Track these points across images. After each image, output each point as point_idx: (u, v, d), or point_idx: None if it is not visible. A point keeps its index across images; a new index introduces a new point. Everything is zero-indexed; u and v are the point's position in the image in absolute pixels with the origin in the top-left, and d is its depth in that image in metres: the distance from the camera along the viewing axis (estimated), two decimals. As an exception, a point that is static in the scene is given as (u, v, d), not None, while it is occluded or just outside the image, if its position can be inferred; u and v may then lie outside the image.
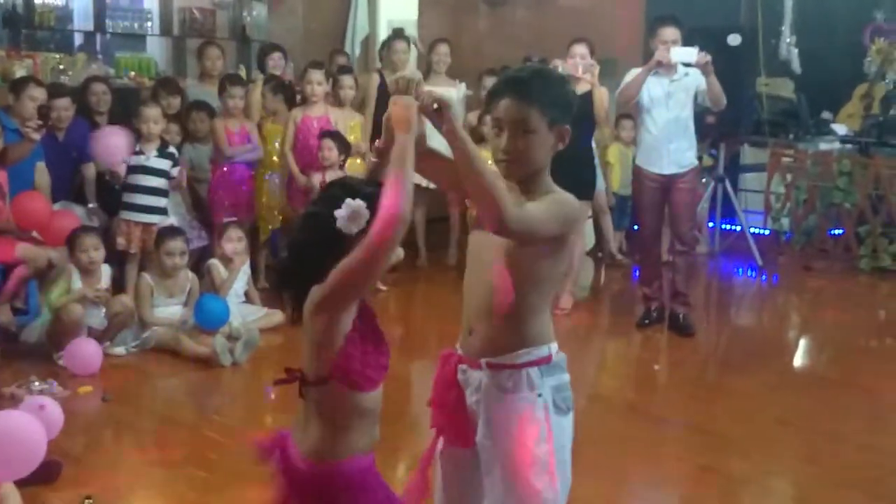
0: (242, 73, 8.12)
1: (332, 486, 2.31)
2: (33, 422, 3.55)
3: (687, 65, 6.10)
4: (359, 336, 2.28)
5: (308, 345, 2.30)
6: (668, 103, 6.19)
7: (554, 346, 2.55)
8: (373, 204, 2.17)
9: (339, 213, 2.20)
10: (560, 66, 6.45)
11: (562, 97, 2.52)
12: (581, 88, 6.53)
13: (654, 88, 6.19)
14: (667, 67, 6.10)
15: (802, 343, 6.88)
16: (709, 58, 5.99)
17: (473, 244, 2.57)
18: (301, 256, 2.27)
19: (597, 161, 7.17)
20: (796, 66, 9.75)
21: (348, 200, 2.20)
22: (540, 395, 2.48)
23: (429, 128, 2.35)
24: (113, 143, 6.06)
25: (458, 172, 2.31)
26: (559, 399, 2.52)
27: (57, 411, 3.99)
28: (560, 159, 6.73)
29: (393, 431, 2.82)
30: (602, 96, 6.53)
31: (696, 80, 6.13)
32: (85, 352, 5.30)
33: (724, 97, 6.15)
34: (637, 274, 7.11)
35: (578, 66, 6.45)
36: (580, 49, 6.52)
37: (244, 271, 6.33)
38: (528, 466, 2.46)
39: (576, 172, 6.50)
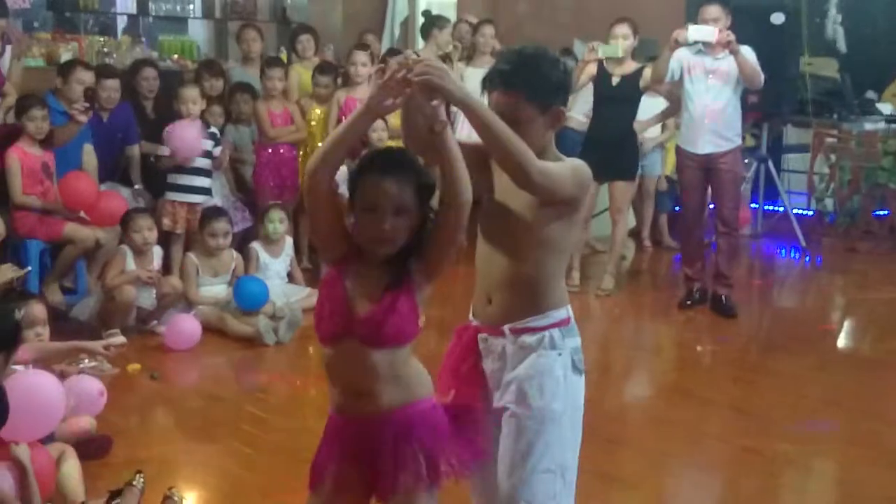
0: (283, 55, 8.16)
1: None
2: (50, 380, 3.61)
3: (706, 43, 6.04)
4: None
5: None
6: (708, 83, 6.14)
7: (570, 309, 2.62)
8: None
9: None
10: (600, 48, 6.44)
11: (552, 81, 2.51)
12: (626, 69, 6.52)
13: (695, 68, 6.15)
14: (710, 47, 6.04)
15: (847, 324, 6.83)
16: (731, 37, 5.92)
17: (486, 216, 2.60)
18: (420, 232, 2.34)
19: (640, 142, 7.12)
20: (842, 45, 9.63)
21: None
22: (560, 355, 2.55)
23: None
24: (189, 136, 6.16)
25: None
26: (577, 360, 2.59)
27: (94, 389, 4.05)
28: (603, 137, 6.77)
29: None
30: (648, 76, 6.51)
31: None
32: (185, 326, 5.47)
33: (759, 76, 6.07)
34: (679, 255, 7.07)
35: (618, 48, 6.44)
36: (622, 30, 6.50)
37: (287, 252, 6.39)
38: (546, 421, 2.52)
39: (618, 151, 6.56)
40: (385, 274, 2.36)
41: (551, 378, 2.53)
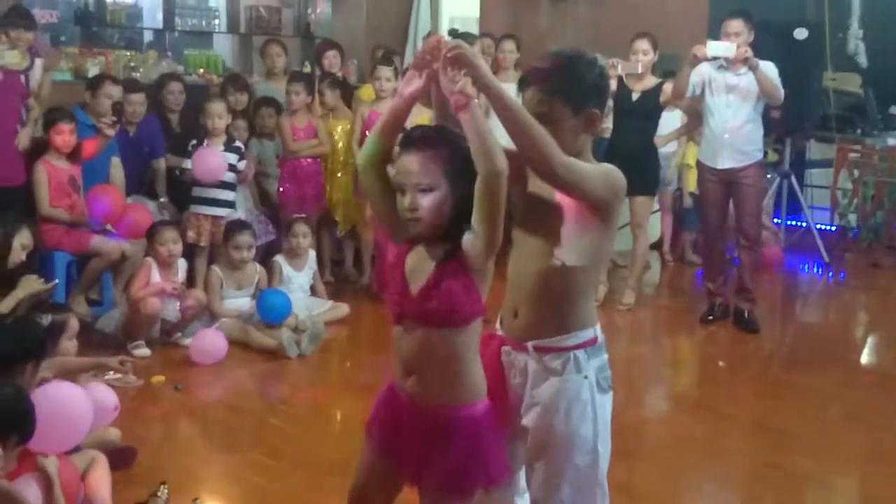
0: (307, 69, 8.22)
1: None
2: (78, 392, 3.65)
3: (727, 59, 6.05)
4: None
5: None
6: (729, 98, 6.15)
7: (598, 329, 2.59)
8: None
9: None
10: (620, 64, 6.47)
11: (587, 83, 2.51)
12: (645, 85, 6.55)
13: (716, 83, 6.17)
14: (732, 62, 6.05)
15: (870, 340, 6.81)
16: (749, 53, 5.93)
17: (519, 225, 2.58)
18: (465, 207, 2.31)
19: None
20: (863, 59, 9.61)
21: None
22: (586, 378, 2.53)
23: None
24: (212, 164, 6.25)
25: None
26: (602, 379, 2.56)
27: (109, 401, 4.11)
28: (623, 153, 6.78)
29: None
30: (669, 91, 6.53)
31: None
32: (212, 342, 5.52)
33: (779, 92, 6.07)
34: (701, 270, 7.07)
35: (638, 64, 6.46)
36: (642, 45, 6.54)
37: (310, 265, 6.43)
38: (575, 446, 2.51)
39: (639, 166, 6.56)
40: (438, 252, 2.38)
41: (578, 403, 2.52)
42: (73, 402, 3.58)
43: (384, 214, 2.45)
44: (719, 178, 6.28)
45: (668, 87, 6.52)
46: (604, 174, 2.47)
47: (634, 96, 6.56)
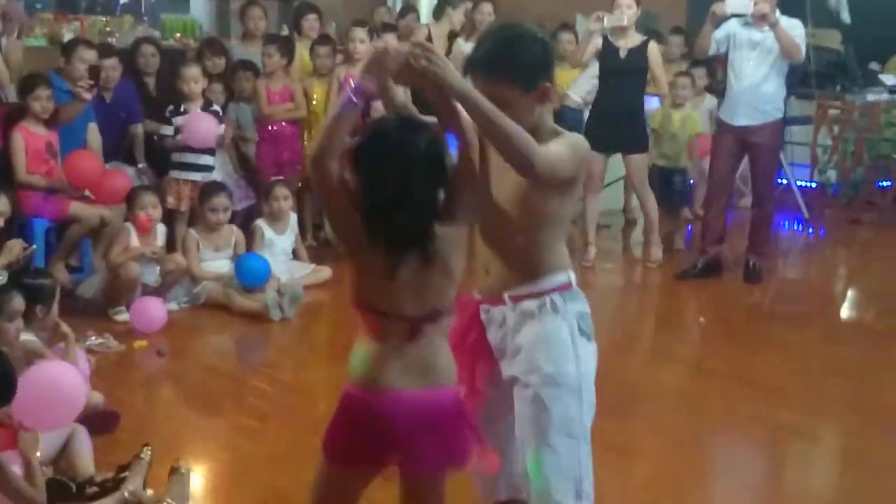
0: (285, 32, 8.14)
1: (461, 405, 2.37)
2: (72, 371, 3.64)
3: (740, 15, 6.06)
4: None
5: (443, 279, 2.31)
6: (752, 55, 6.16)
7: (572, 275, 2.59)
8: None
9: (451, 152, 2.29)
10: (605, 17, 6.44)
11: (532, 61, 2.47)
12: (633, 42, 6.53)
13: (740, 38, 6.18)
14: (758, 19, 6.03)
15: (850, 295, 6.85)
16: (766, 10, 5.93)
17: (481, 192, 2.47)
18: (432, 200, 2.26)
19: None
20: (846, 16, 9.57)
21: (448, 136, 2.29)
22: (564, 319, 2.53)
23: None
24: (205, 129, 6.19)
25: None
26: (584, 325, 2.56)
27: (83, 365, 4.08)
28: (613, 111, 6.77)
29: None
30: (656, 51, 6.53)
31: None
32: (150, 309, 5.42)
33: (798, 50, 6.10)
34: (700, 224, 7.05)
35: (623, 16, 6.43)
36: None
37: (292, 229, 6.41)
38: (559, 386, 2.51)
39: (629, 124, 6.57)
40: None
41: (558, 342, 2.52)
42: (67, 380, 3.56)
43: (331, 215, 2.41)
44: (735, 135, 6.29)
45: (653, 45, 6.51)
46: (573, 150, 2.46)
47: (622, 54, 6.54)
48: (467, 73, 2.49)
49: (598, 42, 6.62)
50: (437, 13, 8.10)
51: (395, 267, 2.25)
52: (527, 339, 2.53)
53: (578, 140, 2.52)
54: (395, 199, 2.22)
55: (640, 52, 6.52)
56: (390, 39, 7.02)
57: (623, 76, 6.56)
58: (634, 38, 6.56)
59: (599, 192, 7.00)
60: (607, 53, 6.58)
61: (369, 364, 2.34)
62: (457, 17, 7.85)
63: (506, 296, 2.55)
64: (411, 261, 2.25)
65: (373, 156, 2.25)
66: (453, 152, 2.31)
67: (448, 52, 7.47)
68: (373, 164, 2.25)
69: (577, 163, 2.48)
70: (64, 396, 3.49)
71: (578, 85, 7.50)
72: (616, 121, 6.51)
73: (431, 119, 2.33)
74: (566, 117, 7.11)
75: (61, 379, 3.53)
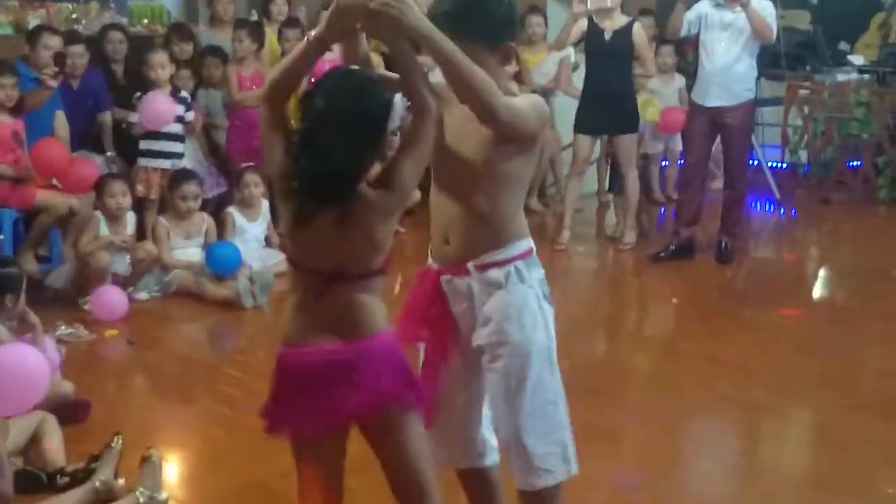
0: (254, 17, 8.08)
1: (389, 353, 2.35)
2: (35, 355, 3.61)
3: None
4: None
5: (361, 244, 2.30)
6: (723, 36, 6.18)
7: (531, 241, 2.59)
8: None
9: (395, 113, 2.26)
10: (588, 0, 6.43)
11: (498, 18, 2.47)
12: (618, 23, 6.52)
13: (712, 19, 6.19)
14: (730, 0, 6.06)
15: (822, 274, 6.90)
16: None
17: (438, 155, 2.49)
18: (355, 156, 2.23)
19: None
20: (813, -5, 9.64)
21: (398, 99, 2.26)
22: (531, 287, 2.53)
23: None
24: (161, 108, 6.14)
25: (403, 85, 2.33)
26: (545, 291, 2.57)
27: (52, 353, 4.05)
28: (601, 93, 6.74)
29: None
30: (641, 31, 6.53)
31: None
32: (111, 298, 5.38)
33: (769, 30, 6.14)
34: (675, 206, 7.08)
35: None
36: None
37: (264, 216, 6.37)
38: (532, 355, 2.51)
39: (618, 105, 6.57)
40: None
41: (528, 310, 2.51)
42: (29, 363, 3.53)
43: (267, 156, 2.40)
44: (707, 117, 6.31)
45: (638, 26, 6.50)
46: (533, 106, 2.45)
47: (607, 35, 6.54)
48: None
49: (583, 24, 6.61)
50: None
51: (309, 217, 2.26)
52: (495, 310, 2.51)
53: (538, 99, 2.53)
54: (319, 149, 2.22)
55: (624, 33, 6.52)
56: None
57: (609, 58, 6.55)
58: (620, 20, 6.55)
59: (583, 174, 7.02)
60: (592, 35, 6.58)
61: (287, 320, 2.39)
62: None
63: (470, 265, 2.52)
64: (328, 216, 2.24)
65: (311, 103, 2.25)
66: (403, 118, 2.30)
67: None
68: (308, 111, 2.25)
69: (539, 120, 2.47)
70: (24, 379, 3.46)
71: (540, 69, 7.51)
72: (604, 102, 6.54)
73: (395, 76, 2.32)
74: None
75: (20, 362, 3.49)
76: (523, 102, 2.43)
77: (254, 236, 6.28)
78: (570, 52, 7.57)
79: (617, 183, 7.32)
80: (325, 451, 2.41)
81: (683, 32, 6.33)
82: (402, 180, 2.28)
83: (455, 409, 2.64)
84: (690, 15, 6.21)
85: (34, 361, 3.55)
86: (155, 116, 6.15)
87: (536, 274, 2.56)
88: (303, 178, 2.24)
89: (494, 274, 2.51)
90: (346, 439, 2.44)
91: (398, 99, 2.27)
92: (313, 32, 2.32)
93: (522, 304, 2.51)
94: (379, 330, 2.35)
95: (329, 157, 2.21)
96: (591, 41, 6.61)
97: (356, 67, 2.39)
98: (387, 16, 2.21)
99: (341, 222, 2.25)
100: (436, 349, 2.60)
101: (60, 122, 6.13)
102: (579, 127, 6.79)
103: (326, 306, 2.33)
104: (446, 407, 2.62)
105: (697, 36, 6.33)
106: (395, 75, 2.37)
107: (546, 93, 7.37)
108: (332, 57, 6.93)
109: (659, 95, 7.66)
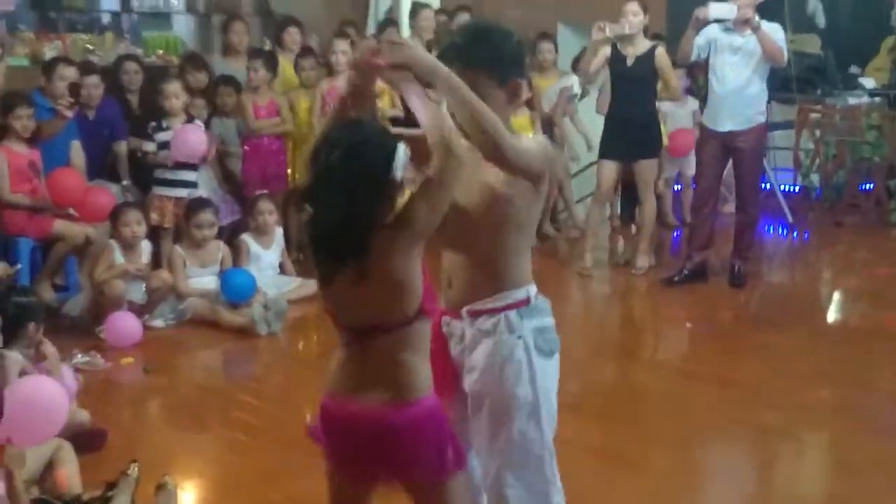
0: (267, 47, 8.16)
1: (422, 423, 2.31)
2: (54, 386, 3.65)
3: (719, 21, 6.12)
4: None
5: (386, 292, 2.26)
6: (734, 59, 6.21)
7: (532, 290, 2.56)
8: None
9: (398, 164, 2.22)
10: (607, 26, 6.45)
11: (507, 53, 2.49)
12: (640, 49, 6.55)
13: (721, 44, 6.22)
14: (739, 24, 6.10)
15: (835, 297, 6.88)
16: (748, 15, 5.99)
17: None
18: (364, 211, 2.20)
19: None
20: (821, 20, 9.65)
21: (401, 149, 2.23)
22: (520, 338, 2.50)
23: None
24: (193, 140, 6.21)
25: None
26: (541, 341, 2.52)
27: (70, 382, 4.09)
28: (623, 119, 6.77)
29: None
30: (664, 56, 6.55)
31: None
32: (125, 324, 5.42)
33: (781, 54, 6.17)
34: (688, 230, 7.07)
35: (626, 25, 6.45)
36: (632, 7, 6.50)
37: (278, 243, 6.41)
38: (512, 409, 2.49)
39: (640, 131, 6.59)
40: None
41: (512, 363, 2.49)
42: (48, 395, 3.57)
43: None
44: (719, 141, 6.33)
45: (661, 50, 6.54)
46: (542, 149, 2.47)
47: (629, 62, 6.55)
48: (445, 63, 2.45)
49: (606, 51, 6.63)
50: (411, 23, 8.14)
51: (329, 274, 2.25)
52: (480, 360, 2.51)
53: (544, 140, 2.56)
54: (323, 205, 2.22)
55: (647, 58, 6.52)
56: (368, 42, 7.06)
57: (631, 84, 6.57)
58: (642, 46, 6.56)
59: (607, 200, 7.02)
60: (615, 62, 6.60)
61: (333, 371, 2.38)
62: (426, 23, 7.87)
63: (463, 311, 2.54)
64: (347, 272, 2.22)
65: (316, 158, 2.25)
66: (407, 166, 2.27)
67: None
68: (314, 167, 2.25)
69: (546, 161, 2.47)
70: (44, 412, 3.49)
71: (547, 94, 7.57)
72: (627, 129, 6.56)
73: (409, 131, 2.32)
74: None
75: (41, 394, 3.53)
76: (531, 143, 2.45)
77: (268, 263, 6.32)
78: (573, 82, 7.61)
79: (629, 208, 7.33)
80: (355, 490, 2.45)
81: (693, 57, 6.37)
82: (415, 220, 2.23)
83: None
84: (700, 40, 6.24)
85: (54, 393, 3.59)
86: (187, 148, 6.22)
87: (531, 323, 2.52)
88: (312, 235, 2.25)
89: (484, 322, 2.51)
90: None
91: (401, 149, 2.24)
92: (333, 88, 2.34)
93: (507, 356, 2.49)
94: (422, 396, 2.31)
95: (333, 212, 2.19)
96: (615, 67, 6.64)
97: (359, 117, 2.35)
98: (397, 56, 2.24)
99: (361, 275, 2.21)
100: (437, 387, 2.62)
101: (76, 151, 6.20)
102: (604, 153, 6.79)
103: (369, 364, 2.31)
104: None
105: (707, 60, 6.36)
106: (414, 130, 2.34)
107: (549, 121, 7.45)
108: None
109: (672, 118, 7.68)
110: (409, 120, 2.38)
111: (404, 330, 2.29)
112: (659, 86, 6.80)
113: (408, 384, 2.30)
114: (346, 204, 2.18)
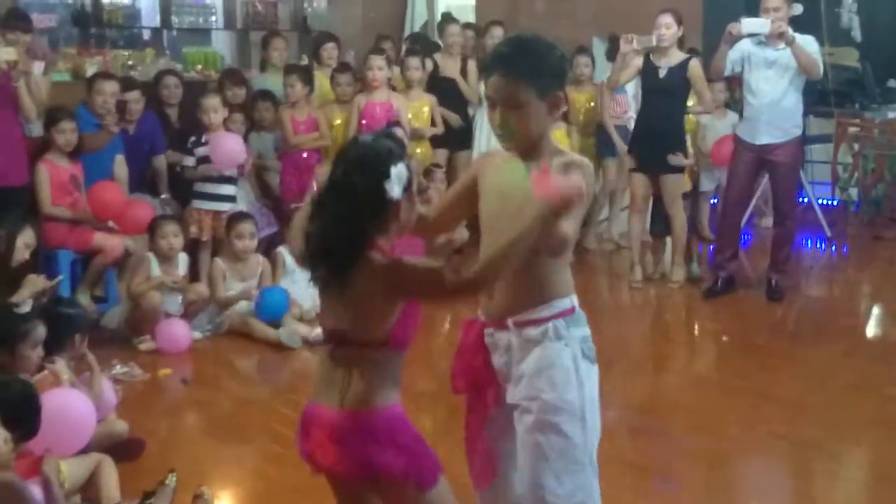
0: (304, 62, 8.23)
1: (376, 429, 2.35)
2: (81, 397, 3.71)
3: (752, 35, 6.10)
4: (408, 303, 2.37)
5: (357, 308, 2.32)
6: (768, 73, 6.19)
7: (575, 299, 2.58)
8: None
9: (391, 185, 2.26)
10: (635, 39, 6.46)
11: (550, 66, 2.50)
12: (673, 61, 6.54)
13: (756, 58, 6.21)
14: (773, 38, 6.09)
15: (874, 311, 6.81)
16: (783, 29, 5.98)
17: (486, 212, 2.55)
18: (353, 228, 2.26)
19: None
20: (857, 33, 9.58)
21: (395, 169, 2.27)
22: (567, 346, 2.52)
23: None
24: (231, 149, 6.27)
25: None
26: (586, 349, 2.56)
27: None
28: (652, 130, 6.77)
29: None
30: (697, 67, 6.53)
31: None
32: (176, 331, 5.53)
33: (817, 66, 6.15)
34: (714, 241, 7.04)
35: (653, 38, 6.45)
36: (665, 19, 6.50)
37: (314, 254, 6.43)
38: (560, 413, 2.50)
39: (668, 143, 6.58)
40: None
41: (561, 369, 2.51)
42: (76, 407, 3.63)
43: None
44: (755, 154, 6.32)
45: (695, 62, 6.52)
46: (583, 181, 2.40)
47: (661, 73, 6.55)
48: (485, 76, 2.54)
49: (638, 62, 6.64)
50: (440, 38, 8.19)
51: (321, 279, 2.33)
52: (530, 367, 2.53)
53: (584, 161, 2.56)
54: (324, 218, 2.29)
55: (679, 70, 6.50)
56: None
57: (661, 96, 6.56)
58: (675, 57, 6.55)
59: (645, 212, 7.01)
60: (647, 73, 6.60)
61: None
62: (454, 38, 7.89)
63: (510, 322, 2.55)
64: (333, 279, 2.31)
65: (330, 173, 2.34)
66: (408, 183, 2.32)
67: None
68: (328, 181, 2.33)
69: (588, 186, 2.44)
70: (72, 424, 3.57)
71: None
72: (656, 140, 6.55)
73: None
74: None
75: (69, 407, 3.61)
76: (577, 177, 2.39)
77: (303, 276, 6.33)
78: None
79: (660, 221, 7.29)
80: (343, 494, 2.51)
81: (727, 72, 6.36)
82: (400, 288, 2.30)
83: (498, 460, 2.64)
84: (733, 54, 6.22)
85: (81, 407, 3.64)
86: (225, 157, 6.27)
87: (577, 332, 2.55)
88: (309, 244, 2.33)
89: (532, 332, 2.53)
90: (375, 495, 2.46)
91: (401, 168, 2.27)
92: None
93: (556, 362, 2.51)
94: (378, 406, 2.35)
95: (329, 227, 2.28)
96: (647, 78, 6.64)
97: (371, 135, 2.39)
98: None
99: (342, 285, 2.29)
100: (477, 400, 2.64)
101: (120, 165, 6.28)
102: (632, 166, 6.81)
103: (335, 368, 2.38)
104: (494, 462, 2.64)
105: (741, 74, 6.35)
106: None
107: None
108: (383, 100, 6.94)
109: (713, 131, 7.64)
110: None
111: (367, 349, 2.35)
112: (692, 101, 6.79)
113: (364, 394, 2.34)
114: (336, 218, 2.27)
